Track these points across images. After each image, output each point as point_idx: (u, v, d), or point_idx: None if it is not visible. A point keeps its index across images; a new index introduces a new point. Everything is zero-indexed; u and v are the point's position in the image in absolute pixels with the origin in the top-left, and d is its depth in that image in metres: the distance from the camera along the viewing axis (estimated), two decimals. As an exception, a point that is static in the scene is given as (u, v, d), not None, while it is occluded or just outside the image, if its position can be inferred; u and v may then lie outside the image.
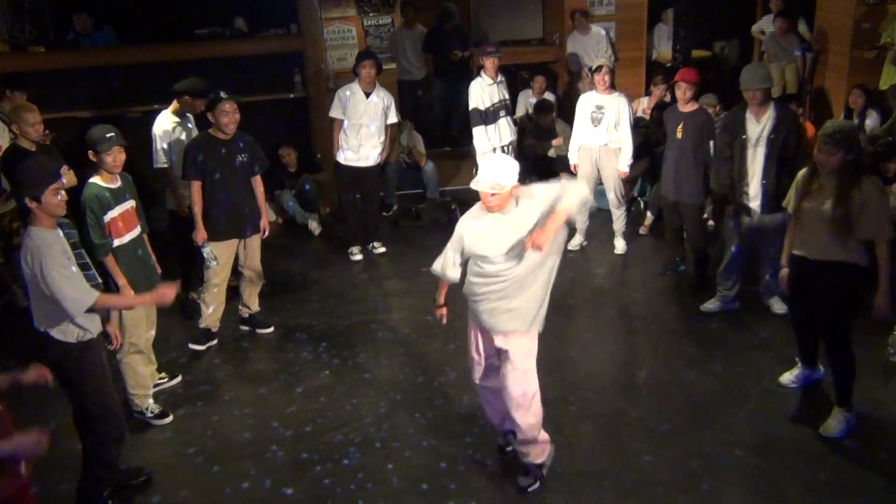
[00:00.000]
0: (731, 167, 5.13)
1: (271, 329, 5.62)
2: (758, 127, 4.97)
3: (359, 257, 6.70)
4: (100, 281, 3.85)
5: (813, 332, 4.36)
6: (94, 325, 3.61)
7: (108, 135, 4.14)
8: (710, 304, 5.55)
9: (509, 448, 4.04)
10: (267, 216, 5.39)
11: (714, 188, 5.36)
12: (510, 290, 3.49)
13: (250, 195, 5.20)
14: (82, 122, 6.78)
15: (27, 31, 8.17)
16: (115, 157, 4.17)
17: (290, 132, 7.87)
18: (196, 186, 4.98)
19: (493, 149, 6.68)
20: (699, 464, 4.00)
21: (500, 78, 6.70)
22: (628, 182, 6.80)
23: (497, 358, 3.72)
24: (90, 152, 4.13)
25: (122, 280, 4.28)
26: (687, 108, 5.66)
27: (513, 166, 3.45)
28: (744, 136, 5.00)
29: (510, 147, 6.84)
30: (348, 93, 6.32)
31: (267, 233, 5.37)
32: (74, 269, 3.47)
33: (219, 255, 5.09)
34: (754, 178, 5.03)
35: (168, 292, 3.78)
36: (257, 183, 5.26)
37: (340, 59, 8.84)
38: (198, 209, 5.00)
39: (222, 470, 4.14)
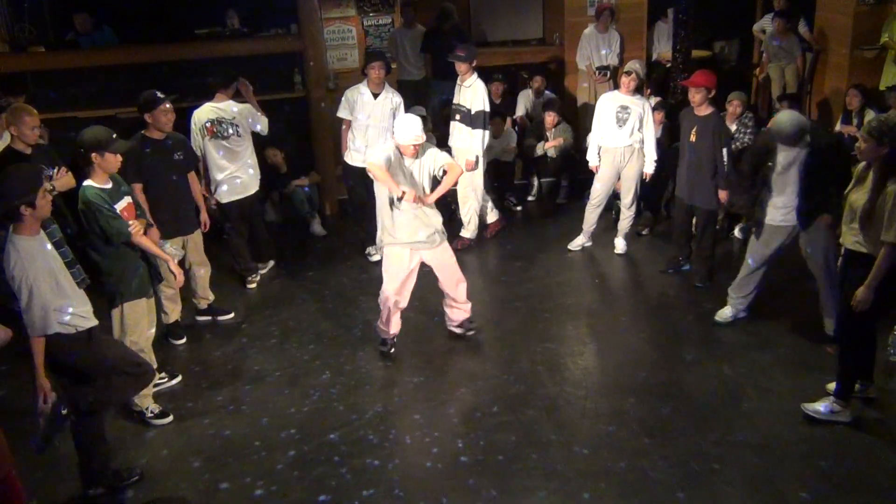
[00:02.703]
0: (757, 188, 5.00)
1: (231, 315, 5.75)
2: (791, 153, 4.78)
3: (378, 257, 6.48)
4: (85, 276, 3.98)
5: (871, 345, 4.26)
6: (89, 321, 3.69)
7: (114, 135, 4.18)
8: (726, 313, 5.37)
9: (392, 350, 5.15)
10: (206, 211, 5.53)
11: (734, 202, 5.31)
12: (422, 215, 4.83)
13: (189, 192, 5.33)
14: (82, 122, 6.77)
15: (27, 31, 8.17)
16: (119, 157, 4.21)
17: (290, 132, 7.87)
18: (138, 189, 5.00)
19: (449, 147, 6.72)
20: (699, 464, 4.00)
21: (469, 82, 6.49)
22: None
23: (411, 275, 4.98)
24: (93, 154, 4.11)
25: (164, 255, 4.45)
26: (701, 111, 5.61)
27: (418, 121, 4.72)
28: (772, 162, 4.83)
29: (460, 153, 6.55)
30: (356, 94, 6.33)
31: (207, 227, 5.51)
32: (60, 281, 3.53)
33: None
34: (786, 196, 4.85)
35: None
36: (193, 179, 5.40)
37: (340, 59, 8.84)
38: (146, 210, 4.97)
39: (222, 470, 4.14)
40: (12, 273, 3.40)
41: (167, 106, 5.01)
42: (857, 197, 4.04)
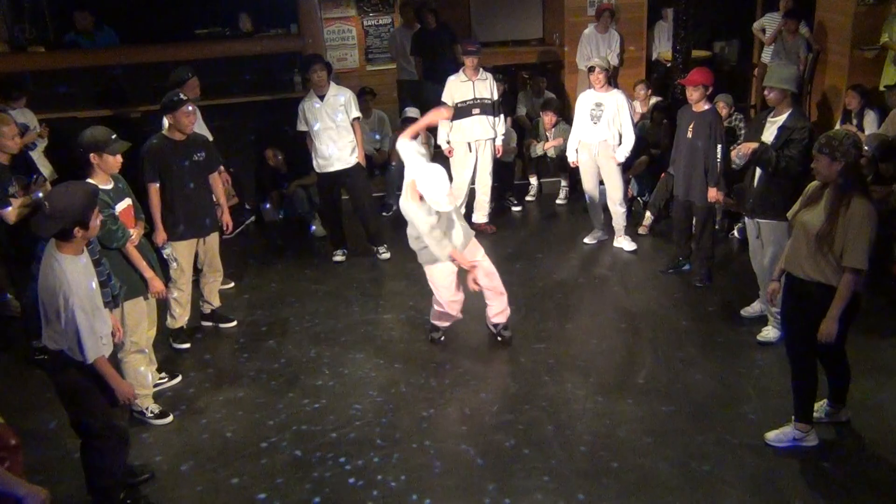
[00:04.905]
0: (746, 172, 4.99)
1: (234, 323, 5.71)
2: (770, 129, 4.77)
3: (340, 258, 6.74)
4: (118, 293, 3.90)
5: (811, 372, 4.02)
6: (107, 348, 3.59)
7: (113, 136, 4.15)
8: (768, 333, 5.11)
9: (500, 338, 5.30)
10: (228, 212, 5.47)
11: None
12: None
13: (208, 193, 5.28)
14: (82, 122, 6.77)
15: (27, 31, 8.18)
16: (119, 158, 4.20)
17: (290, 133, 7.87)
18: (154, 189, 5.00)
19: (466, 143, 6.83)
20: (699, 464, 4.00)
21: (482, 76, 6.73)
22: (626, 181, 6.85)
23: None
24: (92, 154, 4.11)
25: (149, 272, 4.41)
26: (699, 107, 5.65)
27: (444, 181, 4.55)
28: (760, 138, 4.84)
29: (486, 144, 6.85)
30: (306, 103, 6.36)
31: (230, 228, 5.50)
32: (96, 304, 3.46)
33: (179, 256, 5.13)
34: (756, 185, 4.87)
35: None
36: (216, 180, 5.36)
37: (340, 59, 8.85)
38: (156, 211, 5.03)
39: (222, 470, 4.14)
40: (55, 289, 3.24)
41: (190, 108, 4.99)
42: (810, 217, 3.79)
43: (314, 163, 6.52)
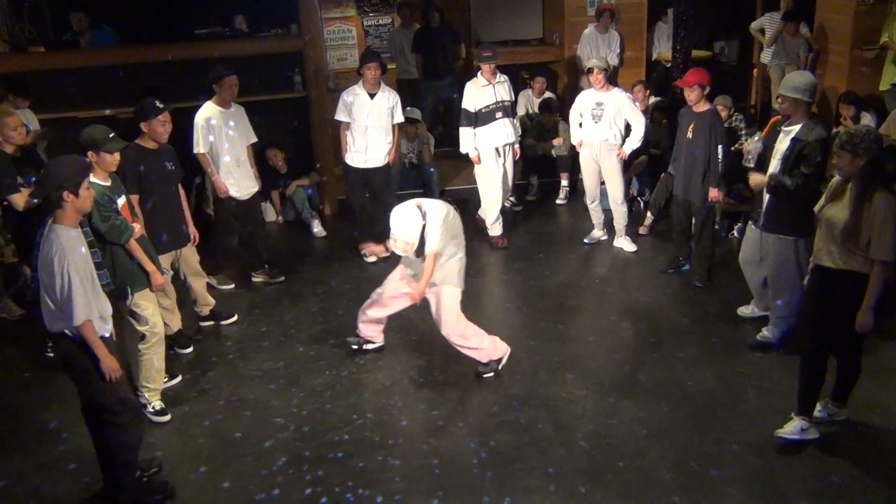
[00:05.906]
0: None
1: (235, 318, 5.74)
2: (783, 140, 4.69)
3: (372, 259, 6.63)
4: (110, 281, 3.95)
5: (823, 368, 4.05)
6: (107, 327, 3.67)
7: (110, 135, 4.16)
8: (768, 333, 5.09)
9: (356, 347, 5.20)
10: (192, 223, 5.34)
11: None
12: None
13: (180, 203, 5.21)
14: (82, 122, 6.77)
15: (27, 31, 8.18)
16: (116, 156, 4.21)
17: (290, 132, 7.88)
18: (135, 201, 4.87)
19: (494, 149, 6.69)
20: (699, 464, 4.00)
21: (500, 78, 6.62)
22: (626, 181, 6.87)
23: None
24: (90, 152, 4.12)
25: (150, 266, 4.42)
26: (698, 108, 5.66)
27: (411, 220, 4.44)
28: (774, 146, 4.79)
29: (510, 148, 6.82)
30: (352, 95, 6.34)
31: (197, 240, 5.38)
32: (94, 278, 3.55)
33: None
34: (767, 198, 4.79)
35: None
36: (181, 190, 5.29)
37: (340, 59, 8.86)
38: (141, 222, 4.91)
39: (221, 469, 4.14)
40: (52, 258, 3.36)
41: (165, 116, 4.85)
42: (835, 213, 3.86)
43: (347, 156, 6.49)
